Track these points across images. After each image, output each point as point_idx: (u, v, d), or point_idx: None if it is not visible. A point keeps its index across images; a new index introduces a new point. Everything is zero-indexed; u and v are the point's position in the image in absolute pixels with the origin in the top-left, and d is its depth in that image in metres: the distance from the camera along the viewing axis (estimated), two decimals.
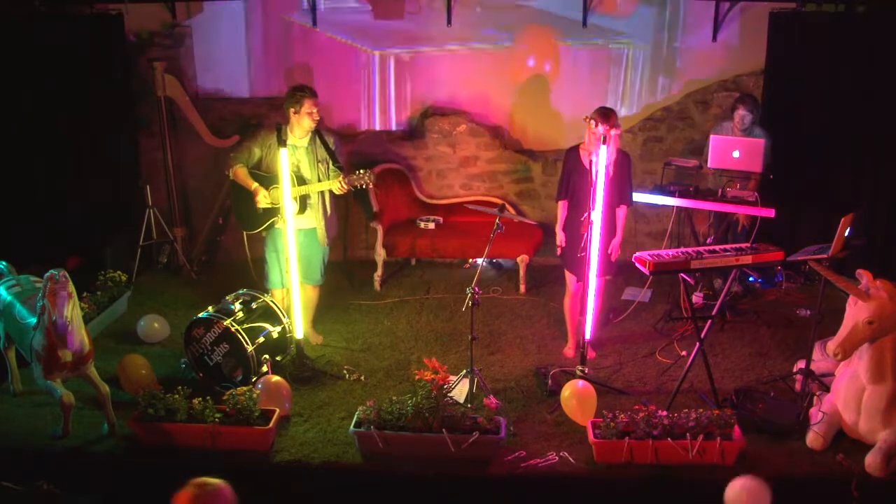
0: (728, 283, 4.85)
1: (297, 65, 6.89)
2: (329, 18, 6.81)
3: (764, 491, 3.01)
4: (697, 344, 4.53)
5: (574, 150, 5.01)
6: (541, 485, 3.99)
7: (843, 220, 4.80)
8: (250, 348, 4.72)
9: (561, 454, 4.13)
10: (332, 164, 5.01)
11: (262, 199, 4.97)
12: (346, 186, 4.91)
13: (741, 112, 5.82)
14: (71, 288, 4.01)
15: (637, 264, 4.48)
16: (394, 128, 7.11)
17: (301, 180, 4.97)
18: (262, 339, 4.84)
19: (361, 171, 4.90)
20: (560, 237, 5.09)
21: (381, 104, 7.05)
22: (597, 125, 4.65)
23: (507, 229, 4.94)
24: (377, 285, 6.52)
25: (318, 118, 4.98)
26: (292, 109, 4.94)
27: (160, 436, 4.17)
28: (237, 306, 4.90)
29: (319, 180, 5.04)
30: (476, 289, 4.57)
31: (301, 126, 4.96)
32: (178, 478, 3.96)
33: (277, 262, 5.17)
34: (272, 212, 5.05)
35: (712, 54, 6.72)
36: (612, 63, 6.82)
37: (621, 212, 5.01)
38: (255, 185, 4.99)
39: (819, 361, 4.67)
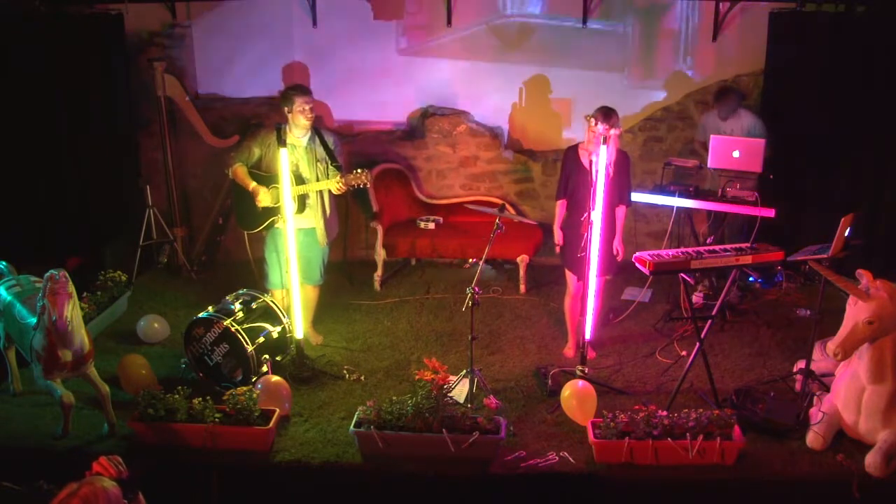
0: (728, 283, 4.85)
1: (296, 64, 6.89)
2: (329, 17, 6.82)
3: None
4: (697, 344, 4.53)
5: (573, 150, 5.01)
6: (541, 485, 3.99)
7: (843, 220, 4.81)
8: (250, 348, 4.72)
9: (561, 454, 4.13)
10: (331, 164, 5.01)
11: (263, 199, 4.97)
12: (343, 186, 4.91)
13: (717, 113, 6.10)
14: (71, 288, 4.01)
15: (637, 264, 4.48)
16: (394, 128, 7.11)
17: (300, 180, 4.97)
18: (262, 339, 4.84)
19: (359, 171, 4.91)
20: (558, 235, 5.10)
21: (382, 103, 7.05)
22: (597, 124, 4.65)
23: (507, 229, 4.94)
24: (377, 285, 6.52)
25: (312, 115, 4.98)
26: (286, 108, 4.96)
27: (160, 436, 4.17)
28: (237, 306, 4.90)
29: (318, 180, 5.05)
30: (476, 289, 4.57)
31: (297, 125, 4.97)
32: (178, 478, 4.01)
33: (278, 263, 5.17)
34: (271, 211, 5.05)
35: (712, 54, 6.73)
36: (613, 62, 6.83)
37: (620, 212, 5.01)
38: (253, 184, 4.99)
39: (819, 361, 4.67)
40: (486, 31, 6.79)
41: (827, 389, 4.47)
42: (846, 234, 4.88)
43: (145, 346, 5.42)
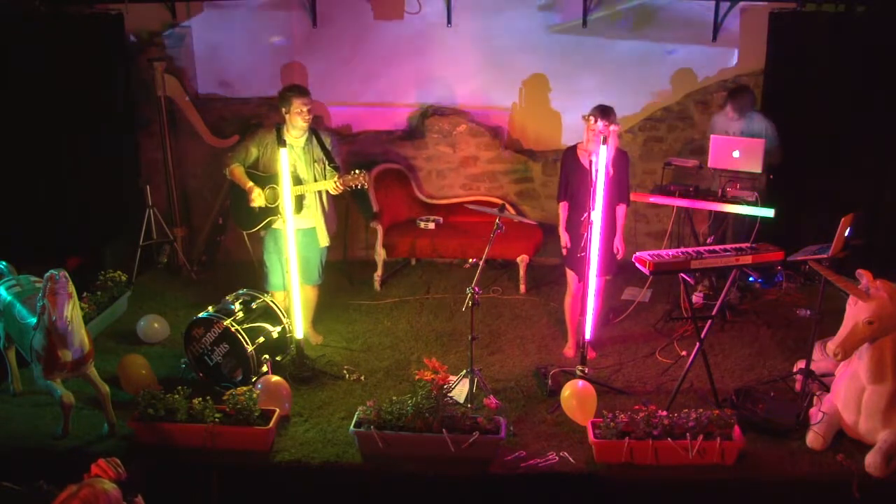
0: (728, 283, 4.85)
1: (296, 64, 6.89)
2: (329, 17, 6.82)
3: None
4: (697, 344, 4.53)
5: (572, 150, 5.01)
6: (541, 485, 3.99)
7: (843, 220, 4.81)
8: (250, 348, 4.72)
9: (561, 454, 4.13)
10: (329, 164, 5.01)
11: (257, 198, 4.97)
12: (340, 187, 4.91)
13: (729, 111, 5.97)
14: (71, 288, 4.01)
15: (637, 264, 4.48)
16: (394, 128, 7.12)
17: (297, 180, 4.97)
18: (262, 340, 4.84)
19: (356, 172, 4.91)
20: (564, 238, 5.09)
21: (381, 103, 7.06)
22: (596, 121, 4.65)
23: (507, 229, 4.94)
24: (377, 285, 6.52)
25: (309, 116, 4.98)
26: (283, 109, 4.96)
27: (160, 436, 4.17)
28: (237, 306, 4.90)
29: (316, 180, 5.05)
30: (476, 289, 4.57)
31: (295, 125, 4.97)
32: (178, 478, 4.01)
33: (279, 264, 5.17)
34: (269, 211, 5.05)
35: (712, 54, 6.72)
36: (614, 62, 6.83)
37: (621, 210, 5.01)
38: (249, 184, 4.99)
39: (819, 361, 4.67)
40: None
41: (827, 389, 4.47)
42: (846, 234, 4.89)
43: (145, 346, 5.42)
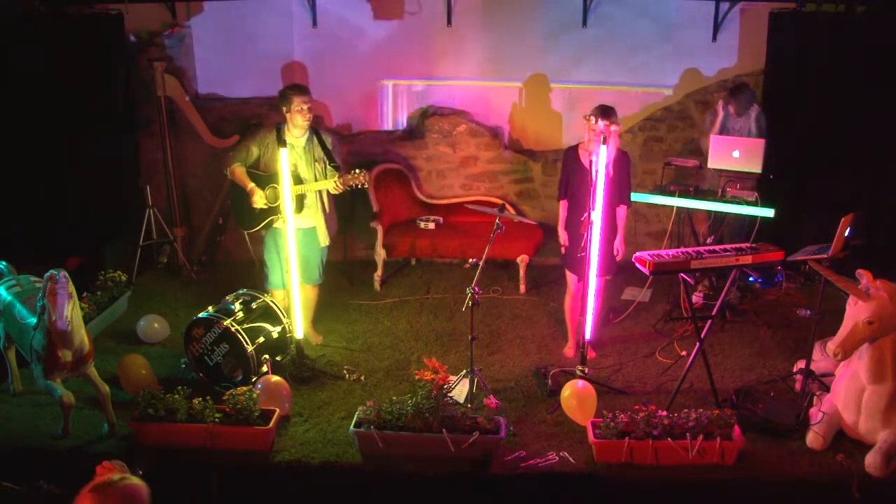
0: (728, 283, 4.85)
1: (296, 64, 6.89)
2: (329, 17, 6.82)
3: None
4: (697, 344, 4.53)
5: (573, 150, 5.01)
6: (541, 485, 3.99)
7: (843, 220, 4.81)
8: (250, 348, 4.72)
9: (561, 454, 4.13)
10: (329, 164, 5.01)
11: (259, 200, 4.98)
12: (341, 186, 4.91)
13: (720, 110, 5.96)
14: (71, 288, 4.01)
15: (637, 264, 4.48)
16: (393, 128, 7.11)
17: (298, 179, 4.97)
18: (262, 340, 4.84)
19: (357, 171, 4.91)
20: (563, 237, 5.10)
21: (381, 103, 7.05)
22: (597, 121, 4.65)
23: (507, 229, 4.94)
24: (377, 285, 6.52)
25: (310, 115, 4.98)
26: (284, 108, 4.96)
27: (160, 436, 4.17)
28: (237, 306, 4.90)
29: (316, 179, 5.05)
30: (476, 289, 4.57)
31: (295, 124, 4.97)
32: (178, 478, 4.01)
33: (278, 263, 5.17)
34: (269, 211, 5.05)
35: (712, 54, 6.72)
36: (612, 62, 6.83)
37: (621, 211, 5.01)
38: (251, 185, 4.99)
39: (819, 361, 4.67)
40: None
41: (827, 389, 4.47)
42: (846, 234, 4.89)
43: (145, 346, 5.42)
